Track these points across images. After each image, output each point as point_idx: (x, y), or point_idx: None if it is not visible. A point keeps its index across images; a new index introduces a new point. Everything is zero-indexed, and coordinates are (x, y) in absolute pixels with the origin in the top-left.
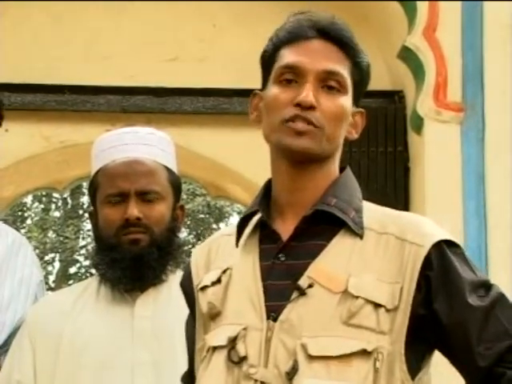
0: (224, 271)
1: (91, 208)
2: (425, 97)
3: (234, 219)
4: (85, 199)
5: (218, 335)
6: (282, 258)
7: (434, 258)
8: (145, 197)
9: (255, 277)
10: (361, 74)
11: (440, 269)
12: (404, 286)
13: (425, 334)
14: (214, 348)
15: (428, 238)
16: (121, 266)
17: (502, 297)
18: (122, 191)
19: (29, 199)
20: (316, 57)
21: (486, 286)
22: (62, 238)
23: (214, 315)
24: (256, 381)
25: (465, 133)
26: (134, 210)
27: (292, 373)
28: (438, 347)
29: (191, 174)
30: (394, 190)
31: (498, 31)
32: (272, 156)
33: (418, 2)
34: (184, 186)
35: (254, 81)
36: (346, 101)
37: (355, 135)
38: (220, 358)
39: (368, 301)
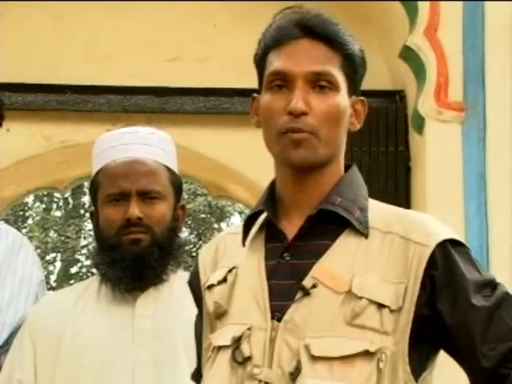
0: (230, 270)
1: (92, 208)
2: (426, 96)
3: (236, 219)
4: (86, 199)
5: (222, 335)
6: (287, 258)
7: (439, 257)
8: (146, 197)
9: (260, 276)
10: (353, 64)
11: (444, 268)
12: (408, 286)
13: (429, 335)
14: (219, 348)
15: (433, 237)
16: (121, 266)
17: (507, 296)
18: (123, 191)
19: (30, 199)
20: (302, 59)
21: (491, 286)
22: (63, 238)
23: (220, 314)
24: (260, 381)
25: (466, 132)
26: (134, 210)
27: (295, 373)
28: (442, 347)
29: (192, 173)
30: (395, 189)
31: (499, 31)
32: (275, 161)
33: (419, 2)
34: (185, 186)
35: (254, 80)
36: (340, 98)
37: (358, 125)
38: (224, 357)
39: (372, 301)
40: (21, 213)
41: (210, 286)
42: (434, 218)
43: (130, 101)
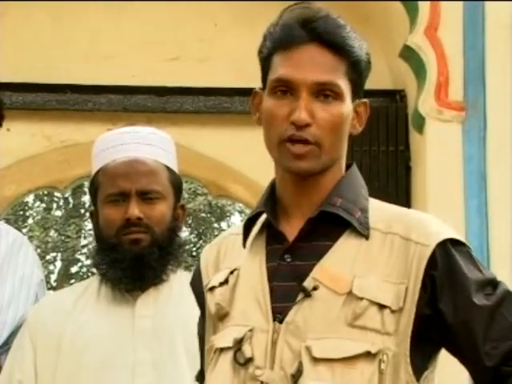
0: (232, 272)
1: (92, 207)
2: (426, 96)
3: (236, 218)
4: (86, 198)
5: (224, 336)
6: (288, 259)
7: (439, 257)
8: (145, 196)
9: (262, 278)
10: (358, 70)
11: (445, 268)
12: (409, 287)
13: (430, 334)
14: (221, 349)
15: (433, 237)
16: (121, 266)
17: (508, 295)
18: (123, 191)
19: (30, 198)
20: (308, 68)
21: (492, 284)
22: (63, 237)
23: (222, 316)
24: (262, 382)
25: (466, 132)
26: (134, 210)
27: (297, 375)
28: (444, 346)
29: (192, 173)
30: (396, 189)
31: (499, 31)
32: (275, 164)
33: (419, 2)
34: (185, 186)
35: (255, 80)
36: (344, 107)
37: (359, 129)
38: (226, 359)
39: (372, 302)
40: (21, 212)
41: (212, 288)
42: (435, 217)
43: (131, 100)
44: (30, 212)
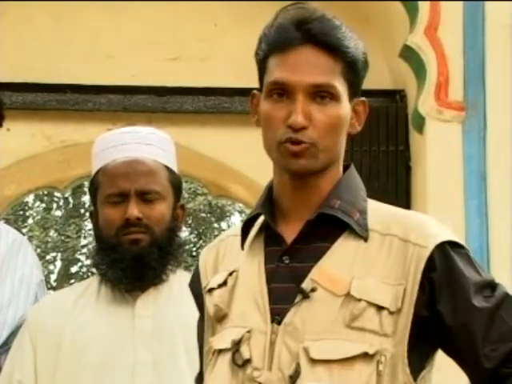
0: (230, 273)
1: (92, 207)
2: (426, 96)
3: (236, 218)
4: (86, 198)
5: (223, 338)
6: (286, 261)
7: (437, 259)
8: (145, 197)
9: (260, 279)
10: (355, 69)
11: (443, 270)
12: (407, 288)
13: (428, 336)
14: (220, 351)
15: (431, 239)
16: (121, 266)
17: (507, 297)
18: (123, 191)
19: (30, 198)
20: (303, 70)
21: (491, 286)
22: (63, 237)
23: (221, 318)
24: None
25: (466, 132)
26: (134, 210)
27: (295, 376)
28: (442, 348)
29: (192, 173)
30: (396, 189)
31: (499, 31)
32: (274, 166)
33: (419, 2)
34: (185, 185)
35: (255, 80)
36: (340, 108)
37: (358, 128)
38: (225, 360)
39: (371, 303)
40: (21, 212)
41: (211, 290)
42: (435, 217)
43: (131, 100)
44: (30, 212)
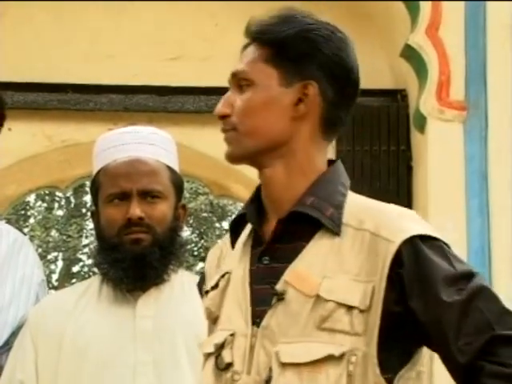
0: (223, 275)
1: (93, 207)
2: (428, 95)
3: None
4: (88, 198)
5: (210, 341)
6: (265, 262)
7: (406, 254)
8: (147, 196)
9: (244, 281)
10: (285, 50)
11: (412, 265)
12: (376, 285)
13: (404, 332)
14: (208, 354)
15: (400, 233)
16: (123, 266)
17: (482, 288)
18: (124, 191)
19: (32, 198)
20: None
21: (466, 278)
22: (64, 237)
23: (214, 320)
24: None
25: (468, 131)
26: (136, 210)
27: (268, 380)
28: (423, 344)
29: (194, 172)
30: (397, 188)
31: (500, 30)
32: None
33: (421, 1)
34: (187, 185)
35: None
36: (257, 91)
37: (304, 109)
38: (209, 365)
39: (340, 304)
40: (22, 212)
41: (207, 292)
42: (436, 217)
43: (132, 100)
44: (32, 212)
